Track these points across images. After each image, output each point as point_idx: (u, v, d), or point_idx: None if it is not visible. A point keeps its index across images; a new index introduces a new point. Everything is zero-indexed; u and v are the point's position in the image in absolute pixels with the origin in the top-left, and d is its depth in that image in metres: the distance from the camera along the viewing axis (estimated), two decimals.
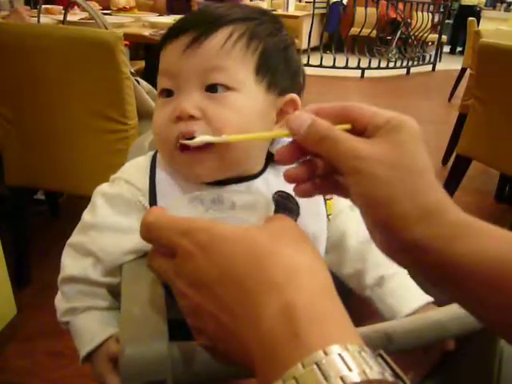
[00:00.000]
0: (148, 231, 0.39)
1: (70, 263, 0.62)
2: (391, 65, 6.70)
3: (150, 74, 2.41)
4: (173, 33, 0.58)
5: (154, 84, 1.52)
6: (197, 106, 0.55)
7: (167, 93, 0.58)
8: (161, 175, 0.61)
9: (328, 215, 0.66)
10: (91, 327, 0.60)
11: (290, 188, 0.60)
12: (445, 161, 3.03)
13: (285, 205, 0.62)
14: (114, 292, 0.62)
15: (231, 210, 0.56)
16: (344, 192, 0.41)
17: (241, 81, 0.57)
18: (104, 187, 0.63)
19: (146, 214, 0.40)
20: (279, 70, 0.60)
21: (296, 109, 0.61)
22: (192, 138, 0.54)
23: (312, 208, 0.64)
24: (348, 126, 0.39)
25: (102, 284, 0.61)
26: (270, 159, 0.64)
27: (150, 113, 1.43)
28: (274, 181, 0.63)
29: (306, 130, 0.38)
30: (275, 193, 0.62)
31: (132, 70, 1.36)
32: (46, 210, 2.11)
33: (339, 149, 0.36)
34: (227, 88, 0.56)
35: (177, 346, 0.44)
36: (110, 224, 0.61)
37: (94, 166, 1.47)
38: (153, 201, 0.60)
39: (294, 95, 0.61)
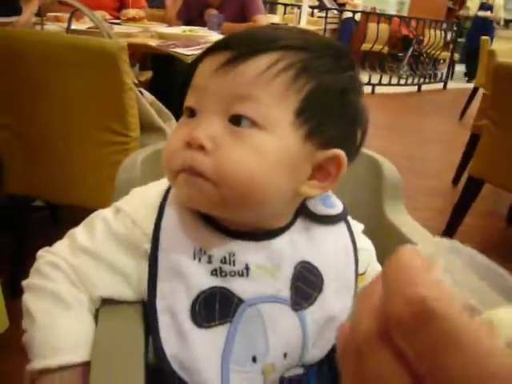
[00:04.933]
0: None
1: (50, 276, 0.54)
2: (402, 81, 6.65)
3: (156, 85, 2.39)
4: (214, 48, 0.50)
5: (159, 95, 1.51)
6: (212, 137, 0.46)
7: (190, 112, 0.50)
8: (168, 218, 0.53)
9: (356, 291, 0.57)
10: (74, 330, 0.51)
11: (318, 253, 0.55)
12: (455, 181, 2.98)
13: (306, 278, 0.54)
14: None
15: (240, 276, 0.51)
16: None
17: (274, 120, 0.47)
18: (107, 215, 0.56)
19: None
20: (329, 118, 0.49)
21: (340, 169, 0.50)
22: (195, 172, 0.46)
23: (340, 284, 0.56)
24: None
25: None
26: (301, 211, 0.56)
27: (152, 125, 1.40)
28: (301, 242, 0.54)
29: None
30: (299, 263, 0.54)
31: (135, 81, 1.32)
32: (47, 216, 2.06)
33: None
34: (254, 124, 0.46)
35: None
36: (106, 258, 0.53)
37: (93, 177, 1.43)
38: (154, 248, 0.52)
39: (339, 152, 0.50)
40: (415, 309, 0.18)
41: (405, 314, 0.18)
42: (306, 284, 0.54)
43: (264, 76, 0.46)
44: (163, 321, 0.50)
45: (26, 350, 0.50)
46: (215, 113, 0.48)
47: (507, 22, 9.47)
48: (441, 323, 0.17)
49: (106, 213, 0.56)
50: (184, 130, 0.49)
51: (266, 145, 0.47)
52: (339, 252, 0.57)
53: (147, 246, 0.52)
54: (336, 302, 0.55)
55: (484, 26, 7.57)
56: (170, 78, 2.40)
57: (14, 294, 1.58)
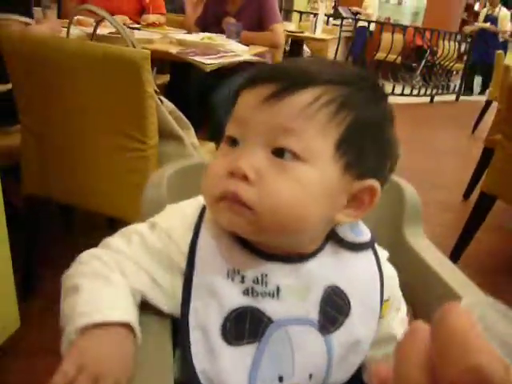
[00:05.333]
0: None
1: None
2: (415, 92, 6.65)
3: (174, 89, 2.41)
4: (256, 79, 0.51)
5: (176, 99, 1.53)
6: (255, 168, 0.48)
7: (232, 141, 0.51)
8: (204, 238, 0.54)
9: (380, 317, 0.59)
10: (114, 297, 0.50)
11: (346, 278, 0.57)
12: (466, 195, 2.97)
13: (334, 302, 0.55)
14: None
15: (271, 297, 0.52)
16: None
17: (315, 153, 0.48)
18: (143, 229, 0.56)
19: None
20: (366, 149, 0.51)
21: (373, 198, 0.52)
22: (238, 201, 0.48)
23: (366, 310, 0.57)
24: None
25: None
26: (331, 236, 0.57)
27: (170, 133, 1.41)
28: (329, 266, 0.56)
29: None
30: (328, 286, 0.55)
31: (156, 89, 1.34)
32: (60, 223, 2.09)
33: None
34: (297, 157, 0.48)
35: None
36: (143, 265, 0.54)
37: (110, 182, 1.44)
38: (190, 266, 0.53)
39: (374, 183, 0.52)
40: (473, 377, 0.18)
41: (462, 381, 0.18)
42: (334, 308, 0.55)
43: (307, 110, 0.48)
44: (194, 336, 0.51)
45: (63, 323, 0.49)
46: (259, 144, 0.49)
47: None
48: None
49: (141, 227, 0.57)
50: (226, 159, 0.50)
51: (308, 177, 0.48)
52: (366, 278, 0.58)
53: (182, 264, 0.54)
54: (361, 326, 0.56)
55: (487, 39, 7.27)
56: (187, 83, 2.43)
57: (26, 296, 1.61)
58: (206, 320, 0.52)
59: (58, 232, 2.04)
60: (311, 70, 0.51)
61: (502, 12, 7.45)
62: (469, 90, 7.42)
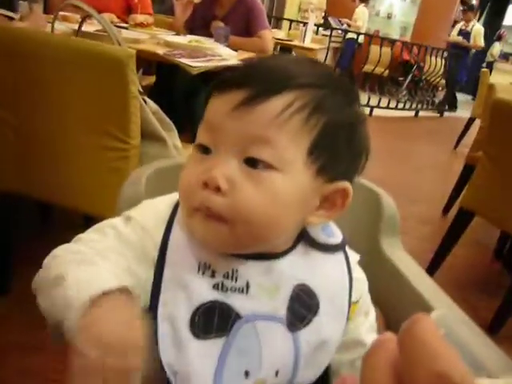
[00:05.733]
0: None
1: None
2: (400, 106, 6.72)
3: (159, 91, 2.40)
4: (226, 84, 0.49)
5: (161, 101, 1.52)
6: (229, 178, 0.48)
7: (204, 149, 0.51)
8: (176, 233, 0.54)
9: (348, 318, 0.59)
10: (103, 274, 0.47)
11: (315, 277, 0.57)
12: (446, 210, 3.01)
13: (302, 300, 0.55)
14: None
15: (240, 293, 0.53)
16: None
17: (288, 161, 0.48)
18: (117, 222, 0.56)
19: None
20: (338, 153, 0.51)
21: (345, 200, 0.53)
22: (211, 214, 0.48)
23: (334, 310, 0.57)
24: None
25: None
26: (302, 236, 0.57)
27: (153, 134, 1.40)
28: (299, 265, 0.56)
29: None
30: (298, 285, 0.55)
31: (140, 89, 1.33)
32: (37, 219, 2.05)
33: None
34: (269, 166, 0.47)
35: None
36: (119, 254, 0.52)
37: (90, 181, 1.43)
38: (161, 259, 0.53)
39: (346, 185, 0.52)
40: (438, 382, 0.19)
41: None
42: (303, 306, 0.55)
43: (280, 118, 0.47)
44: (162, 329, 0.51)
45: (53, 316, 0.45)
46: (231, 153, 0.49)
47: (507, 56, 9.63)
48: None
49: (115, 221, 0.56)
50: (199, 167, 0.50)
51: (280, 185, 0.48)
52: (335, 279, 0.59)
53: (155, 256, 0.53)
54: (329, 326, 0.57)
55: (459, 54, 7.16)
56: (172, 86, 2.42)
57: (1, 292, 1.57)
58: (174, 313, 0.51)
59: (35, 229, 2.00)
60: (284, 74, 0.49)
61: (476, 27, 7.41)
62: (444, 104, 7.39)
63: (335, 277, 0.59)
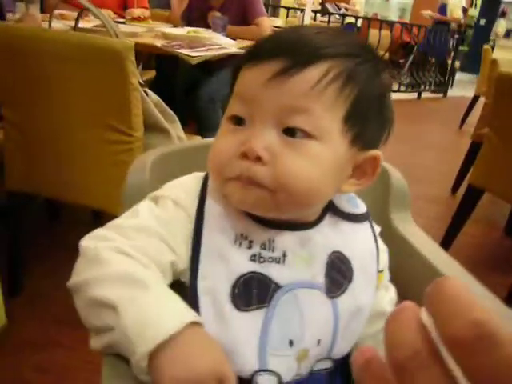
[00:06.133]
0: None
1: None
2: (402, 88, 6.67)
3: (159, 85, 2.39)
4: (260, 54, 0.50)
5: (162, 95, 1.51)
6: (268, 148, 0.48)
7: (237, 120, 0.51)
8: (211, 205, 0.54)
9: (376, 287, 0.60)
10: (163, 316, 0.45)
11: (347, 245, 0.58)
12: (454, 189, 2.98)
13: (338, 267, 0.56)
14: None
15: (277, 263, 0.53)
16: None
17: (325, 129, 0.49)
18: (147, 204, 0.55)
19: None
20: (370, 122, 0.52)
21: (375, 168, 0.54)
22: (253, 183, 0.48)
23: (366, 277, 0.58)
24: None
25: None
26: (329, 207, 0.58)
27: (156, 125, 1.40)
28: (331, 234, 0.57)
29: None
30: (332, 252, 0.56)
31: (141, 81, 1.32)
32: (45, 216, 2.06)
33: None
34: (308, 135, 0.48)
35: None
36: (157, 231, 0.52)
37: (95, 176, 1.43)
38: (198, 230, 0.53)
39: (378, 153, 0.54)
40: (479, 331, 0.18)
41: (468, 335, 0.18)
42: (339, 273, 0.56)
43: (316, 87, 0.48)
44: (204, 301, 0.51)
45: (114, 347, 0.47)
46: (269, 124, 0.49)
47: (509, 32, 9.49)
48: (502, 348, 0.18)
49: (145, 203, 0.56)
50: (234, 138, 0.50)
51: (319, 153, 0.49)
52: (365, 247, 0.60)
53: (191, 229, 0.53)
54: (362, 293, 0.58)
55: (440, 31, 6.87)
56: (172, 78, 2.41)
57: (12, 291, 1.58)
58: (214, 286, 0.51)
59: (43, 227, 2.01)
60: (317, 44, 0.50)
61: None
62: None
63: (365, 245, 0.60)
